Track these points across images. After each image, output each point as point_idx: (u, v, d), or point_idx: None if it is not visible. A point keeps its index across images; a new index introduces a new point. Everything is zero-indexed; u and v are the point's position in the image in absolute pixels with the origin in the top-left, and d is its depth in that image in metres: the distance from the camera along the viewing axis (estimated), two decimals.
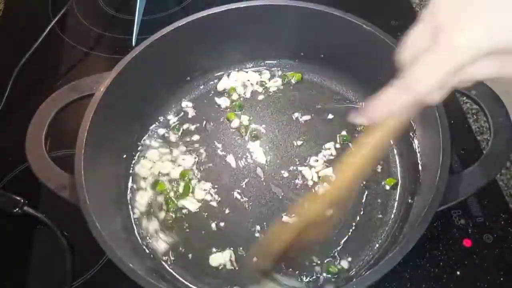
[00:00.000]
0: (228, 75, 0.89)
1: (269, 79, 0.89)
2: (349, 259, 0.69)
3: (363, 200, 0.74)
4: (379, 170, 0.77)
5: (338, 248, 0.70)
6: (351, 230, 0.71)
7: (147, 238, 0.73)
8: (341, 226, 0.72)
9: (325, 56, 0.85)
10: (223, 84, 0.88)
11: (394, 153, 0.78)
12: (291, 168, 0.77)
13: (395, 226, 0.71)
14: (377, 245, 0.70)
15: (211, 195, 0.76)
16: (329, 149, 0.79)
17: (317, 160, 0.77)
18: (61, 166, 0.67)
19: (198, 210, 0.75)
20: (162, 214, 0.75)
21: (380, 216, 0.72)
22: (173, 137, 0.83)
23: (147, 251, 0.72)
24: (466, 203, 0.74)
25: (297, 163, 0.78)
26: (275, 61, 0.90)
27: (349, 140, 0.79)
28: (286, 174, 0.77)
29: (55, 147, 0.80)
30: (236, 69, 0.90)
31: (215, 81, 0.89)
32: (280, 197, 0.75)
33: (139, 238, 0.73)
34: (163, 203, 0.76)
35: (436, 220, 0.72)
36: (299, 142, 0.80)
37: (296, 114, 0.84)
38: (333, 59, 0.85)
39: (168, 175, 0.79)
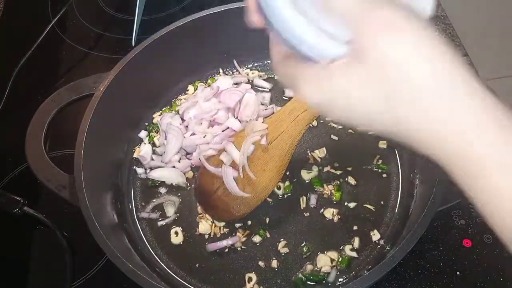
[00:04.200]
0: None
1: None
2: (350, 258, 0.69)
3: (363, 200, 0.74)
4: (379, 170, 0.77)
5: (338, 249, 0.70)
6: (351, 230, 0.71)
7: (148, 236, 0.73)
8: (341, 227, 0.72)
9: None
10: (223, 82, 0.88)
11: (395, 152, 0.78)
12: None
13: (395, 225, 0.71)
14: (377, 245, 0.70)
15: None
16: None
17: None
18: (61, 166, 0.67)
19: None
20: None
21: (380, 216, 0.72)
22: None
23: (147, 250, 0.72)
24: (466, 203, 0.73)
25: None
26: None
27: None
28: None
29: (55, 147, 0.80)
30: (238, 68, 0.90)
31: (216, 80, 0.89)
32: None
33: (139, 238, 0.73)
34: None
35: (436, 220, 0.72)
36: None
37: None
38: None
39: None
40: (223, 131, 0.80)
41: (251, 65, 0.90)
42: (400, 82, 0.34)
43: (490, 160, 0.33)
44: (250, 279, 0.68)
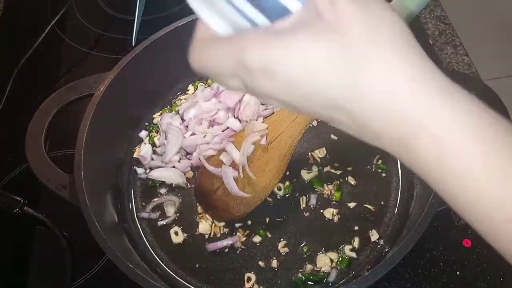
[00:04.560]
0: None
1: None
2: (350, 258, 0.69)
3: (363, 200, 0.74)
4: (379, 170, 0.77)
5: (338, 249, 0.70)
6: (351, 230, 0.71)
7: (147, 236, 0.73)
8: (341, 227, 0.72)
9: None
10: None
11: None
12: None
13: (395, 225, 0.71)
14: (377, 245, 0.70)
15: None
16: None
17: None
18: (61, 166, 0.67)
19: None
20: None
21: (380, 216, 0.72)
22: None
23: (147, 250, 0.72)
24: None
25: None
26: None
27: None
28: None
29: (55, 147, 0.80)
30: None
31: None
32: None
33: (139, 238, 0.73)
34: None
35: (436, 220, 0.71)
36: None
37: None
38: None
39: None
40: (223, 131, 0.80)
41: None
42: (358, 47, 0.30)
43: (449, 143, 0.31)
44: (249, 278, 0.68)
